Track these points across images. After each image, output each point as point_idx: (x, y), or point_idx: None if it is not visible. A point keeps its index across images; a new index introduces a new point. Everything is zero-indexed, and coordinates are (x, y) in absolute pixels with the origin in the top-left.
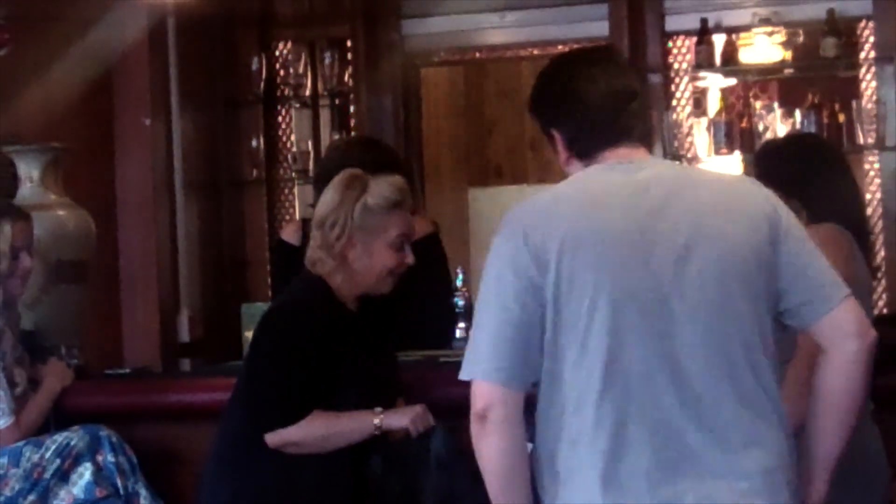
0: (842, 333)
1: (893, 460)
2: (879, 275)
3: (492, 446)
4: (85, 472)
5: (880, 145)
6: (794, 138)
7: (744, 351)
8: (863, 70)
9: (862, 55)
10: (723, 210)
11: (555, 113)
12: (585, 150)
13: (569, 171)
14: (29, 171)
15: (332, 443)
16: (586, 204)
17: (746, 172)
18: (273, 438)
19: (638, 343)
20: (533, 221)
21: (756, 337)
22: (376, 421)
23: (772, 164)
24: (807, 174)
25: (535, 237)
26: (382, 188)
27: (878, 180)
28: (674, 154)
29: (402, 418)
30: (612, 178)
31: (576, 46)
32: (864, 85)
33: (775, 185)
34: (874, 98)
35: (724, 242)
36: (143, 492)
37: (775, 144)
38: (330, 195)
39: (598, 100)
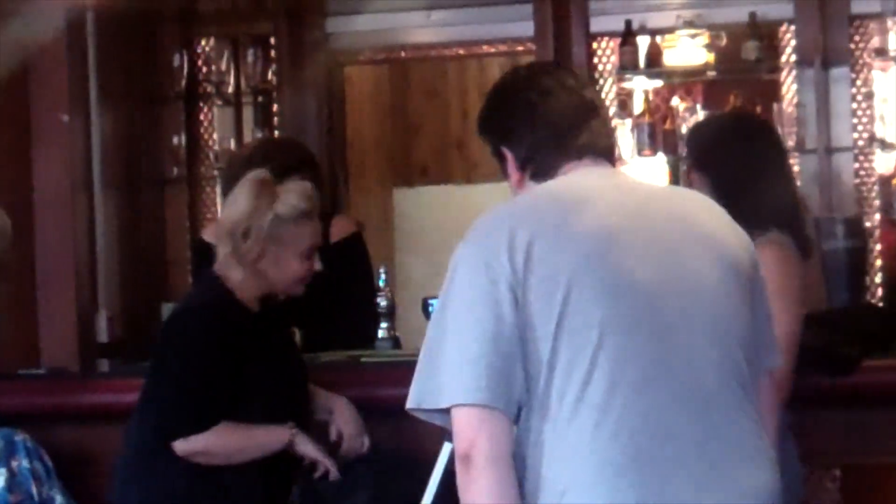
0: (771, 405)
1: (811, 459)
2: None
3: (485, 485)
4: None
5: (800, 148)
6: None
7: (742, 352)
8: (784, 73)
9: (783, 58)
10: (711, 217)
11: (509, 129)
12: (543, 168)
13: (518, 193)
14: None
15: (242, 455)
16: (572, 202)
17: (670, 173)
18: (181, 446)
19: (639, 344)
20: (518, 221)
21: (748, 342)
22: (288, 437)
23: (695, 141)
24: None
25: (522, 236)
26: (292, 198)
27: (797, 183)
28: None
29: (310, 448)
30: (591, 181)
31: (501, 47)
32: (784, 88)
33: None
34: (795, 101)
35: (716, 245)
36: (58, 497)
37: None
38: (241, 202)
39: (557, 113)
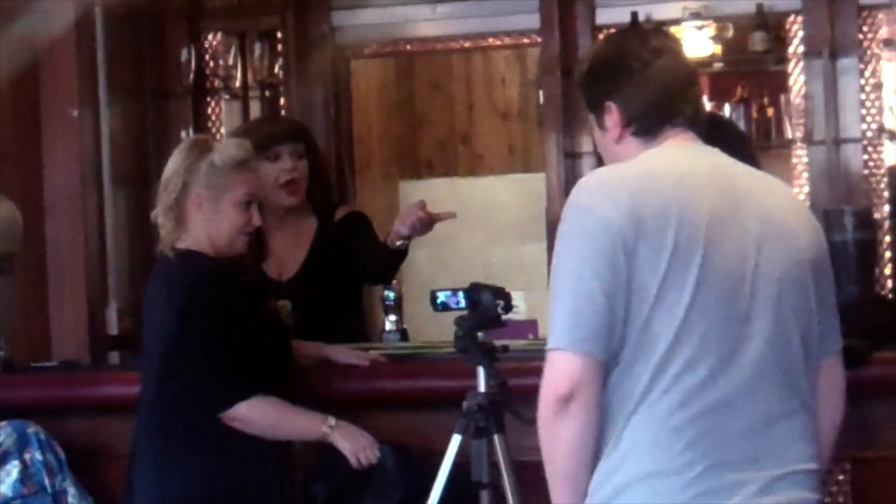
0: (831, 385)
1: None
2: None
3: (574, 429)
4: (12, 471)
5: (808, 139)
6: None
7: (802, 346)
8: (791, 64)
9: (791, 49)
10: (790, 208)
11: (616, 83)
12: (647, 128)
13: (615, 149)
14: None
15: (274, 430)
16: (679, 177)
17: None
18: (229, 413)
19: (722, 324)
20: (636, 189)
21: (809, 336)
22: (325, 429)
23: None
24: None
25: (639, 205)
26: (229, 147)
27: (805, 174)
28: None
29: (347, 443)
30: (693, 157)
31: (506, 40)
32: (792, 79)
33: None
34: (802, 92)
35: (791, 242)
36: (70, 489)
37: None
38: (173, 158)
39: (670, 75)
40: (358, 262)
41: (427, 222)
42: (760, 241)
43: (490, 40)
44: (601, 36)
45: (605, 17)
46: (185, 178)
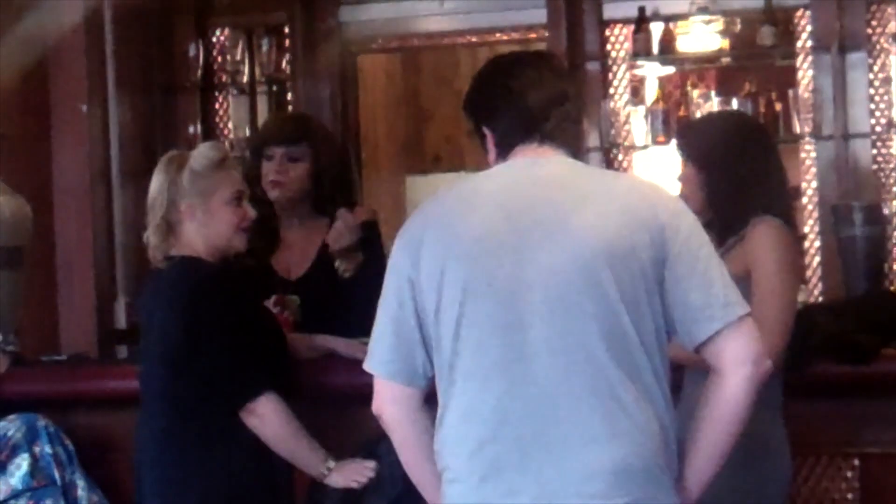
0: (732, 359)
1: (829, 448)
2: (815, 263)
3: (394, 441)
4: (22, 464)
5: (817, 134)
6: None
7: (606, 346)
8: (799, 59)
9: (799, 44)
10: (597, 205)
11: (490, 111)
12: (506, 149)
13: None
14: None
15: (285, 446)
16: (467, 200)
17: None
18: (249, 406)
19: (491, 335)
20: (423, 220)
21: (626, 329)
22: (323, 470)
23: (693, 140)
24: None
25: (420, 236)
26: (203, 151)
27: (814, 169)
28: (611, 143)
29: (342, 479)
30: (508, 174)
31: (513, 35)
32: (800, 74)
33: (698, 161)
34: (811, 87)
35: (587, 235)
36: (80, 482)
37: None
38: (155, 178)
39: (531, 100)
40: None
41: (347, 227)
42: (545, 244)
43: (497, 35)
44: (607, 31)
45: (611, 11)
46: (171, 196)
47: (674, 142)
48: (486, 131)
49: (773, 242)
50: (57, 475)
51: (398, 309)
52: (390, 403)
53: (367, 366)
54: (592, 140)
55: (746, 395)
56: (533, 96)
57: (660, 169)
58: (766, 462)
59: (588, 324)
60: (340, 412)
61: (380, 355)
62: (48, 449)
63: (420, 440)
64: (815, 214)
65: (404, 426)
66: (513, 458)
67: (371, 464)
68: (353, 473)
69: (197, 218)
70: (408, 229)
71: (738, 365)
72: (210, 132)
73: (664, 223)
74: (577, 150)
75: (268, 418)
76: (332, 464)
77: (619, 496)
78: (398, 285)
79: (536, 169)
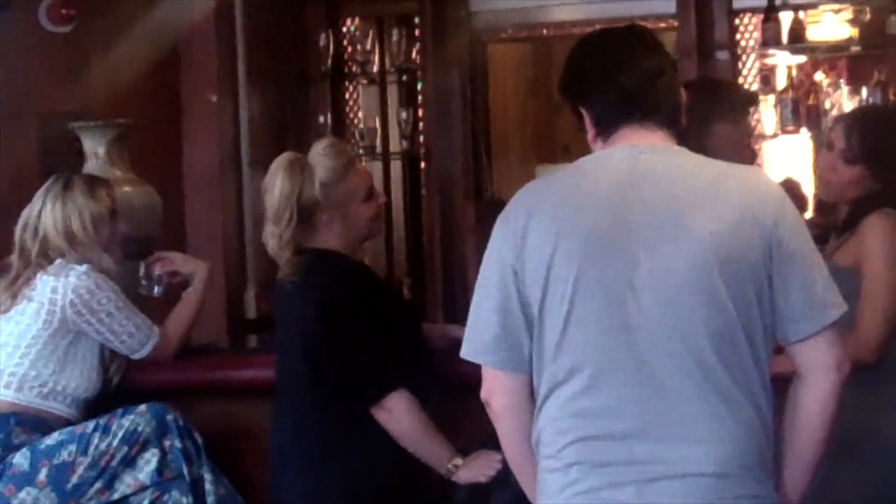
0: (821, 364)
1: None
2: None
3: (500, 430)
4: (152, 459)
5: None
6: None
7: (715, 349)
8: None
9: None
10: (708, 204)
11: (584, 91)
12: (607, 129)
13: (594, 150)
14: (94, 147)
15: (413, 441)
16: (571, 192)
17: (815, 150)
18: (382, 402)
19: (601, 334)
20: (529, 200)
21: (736, 331)
22: (450, 467)
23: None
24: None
25: (526, 217)
26: (327, 163)
27: None
28: None
29: (470, 475)
30: (608, 164)
31: (643, 24)
32: None
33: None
34: None
35: (700, 236)
36: (207, 475)
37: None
38: (277, 183)
39: (625, 78)
40: None
41: None
42: (652, 247)
43: None
44: (737, 20)
45: (741, 1)
46: (303, 205)
47: (803, 131)
48: (584, 111)
49: (888, 234)
50: (185, 470)
51: (503, 299)
52: (500, 393)
53: (472, 356)
54: None
55: (834, 401)
56: (626, 74)
57: (789, 157)
58: (877, 456)
59: (698, 327)
60: (469, 400)
61: (485, 344)
62: (178, 444)
63: (527, 429)
64: None
65: (515, 414)
66: (618, 453)
67: (499, 456)
68: (481, 467)
69: (335, 224)
70: (509, 217)
71: (827, 370)
72: (340, 122)
73: (774, 221)
74: (678, 124)
75: (397, 415)
76: (458, 461)
77: (722, 497)
78: (502, 275)
79: (642, 162)
